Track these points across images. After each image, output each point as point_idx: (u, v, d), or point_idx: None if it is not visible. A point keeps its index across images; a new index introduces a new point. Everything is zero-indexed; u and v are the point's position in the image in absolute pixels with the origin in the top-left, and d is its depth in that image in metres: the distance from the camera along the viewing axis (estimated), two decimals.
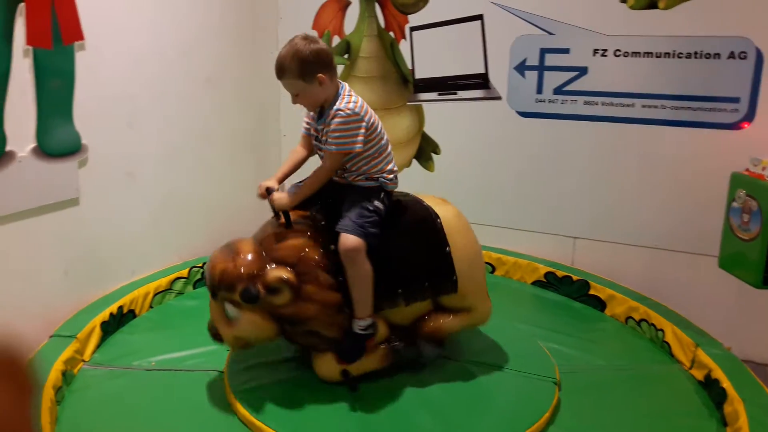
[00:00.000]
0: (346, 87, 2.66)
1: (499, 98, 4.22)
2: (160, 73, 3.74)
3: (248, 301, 2.51)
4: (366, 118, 2.59)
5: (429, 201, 2.90)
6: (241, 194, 4.54)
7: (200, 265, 3.97)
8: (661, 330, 3.36)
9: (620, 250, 4.02)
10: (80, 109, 3.23)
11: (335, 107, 2.57)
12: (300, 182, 2.74)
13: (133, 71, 3.55)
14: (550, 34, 3.99)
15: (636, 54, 3.80)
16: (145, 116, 3.67)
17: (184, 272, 3.89)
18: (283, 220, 2.66)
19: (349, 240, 2.53)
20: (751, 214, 3.11)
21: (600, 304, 3.78)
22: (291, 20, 4.66)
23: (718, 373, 2.85)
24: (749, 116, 3.59)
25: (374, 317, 2.67)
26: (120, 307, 3.37)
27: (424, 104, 4.45)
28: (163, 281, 3.74)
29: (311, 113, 2.76)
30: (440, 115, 4.43)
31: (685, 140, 3.76)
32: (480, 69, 4.24)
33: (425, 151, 4.49)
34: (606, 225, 4.05)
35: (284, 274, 2.50)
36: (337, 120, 2.55)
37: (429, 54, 4.38)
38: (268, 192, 2.69)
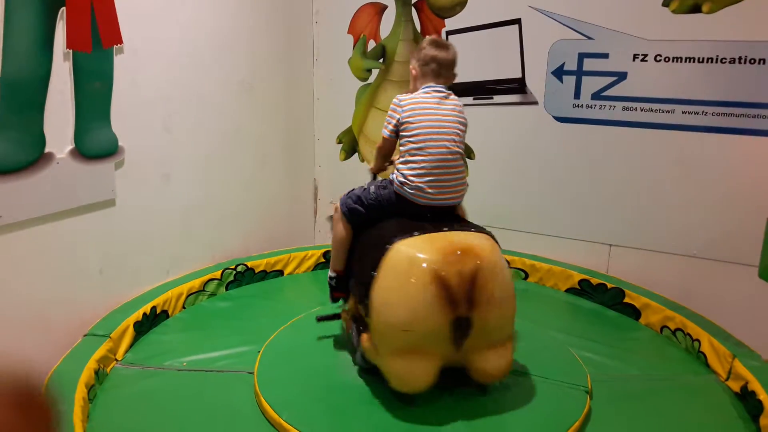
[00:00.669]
0: (428, 88, 2.86)
1: (535, 103, 4.17)
2: (196, 76, 3.79)
3: None
4: (401, 111, 2.77)
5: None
6: (273, 197, 4.58)
7: (233, 267, 4.01)
8: (697, 340, 3.27)
9: (656, 258, 3.95)
10: (117, 112, 3.28)
11: None
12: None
13: (169, 74, 3.59)
14: (589, 38, 3.93)
15: (677, 59, 3.71)
16: (181, 118, 3.72)
17: (217, 274, 3.92)
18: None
19: (335, 205, 3.01)
20: None
21: (635, 313, 3.70)
22: (326, 24, 4.68)
23: (755, 385, 2.77)
24: None
25: (340, 273, 3.03)
26: (153, 308, 3.41)
27: None
28: (196, 282, 3.78)
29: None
30: (476, 120, 4.33)
31: (726, 147, 3.66)
32: (517, 73, 4.20)
33: None
34: (642, 232, 3.98)
35: None
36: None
37: (465, 58, 4.32)
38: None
